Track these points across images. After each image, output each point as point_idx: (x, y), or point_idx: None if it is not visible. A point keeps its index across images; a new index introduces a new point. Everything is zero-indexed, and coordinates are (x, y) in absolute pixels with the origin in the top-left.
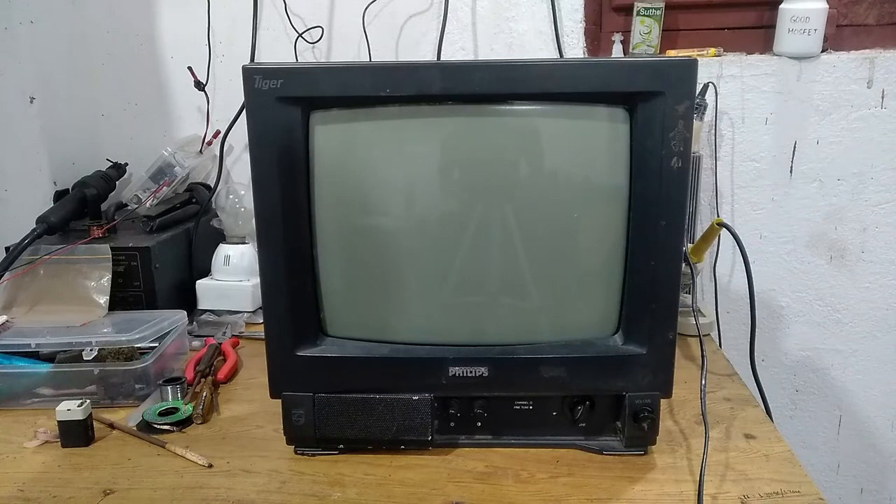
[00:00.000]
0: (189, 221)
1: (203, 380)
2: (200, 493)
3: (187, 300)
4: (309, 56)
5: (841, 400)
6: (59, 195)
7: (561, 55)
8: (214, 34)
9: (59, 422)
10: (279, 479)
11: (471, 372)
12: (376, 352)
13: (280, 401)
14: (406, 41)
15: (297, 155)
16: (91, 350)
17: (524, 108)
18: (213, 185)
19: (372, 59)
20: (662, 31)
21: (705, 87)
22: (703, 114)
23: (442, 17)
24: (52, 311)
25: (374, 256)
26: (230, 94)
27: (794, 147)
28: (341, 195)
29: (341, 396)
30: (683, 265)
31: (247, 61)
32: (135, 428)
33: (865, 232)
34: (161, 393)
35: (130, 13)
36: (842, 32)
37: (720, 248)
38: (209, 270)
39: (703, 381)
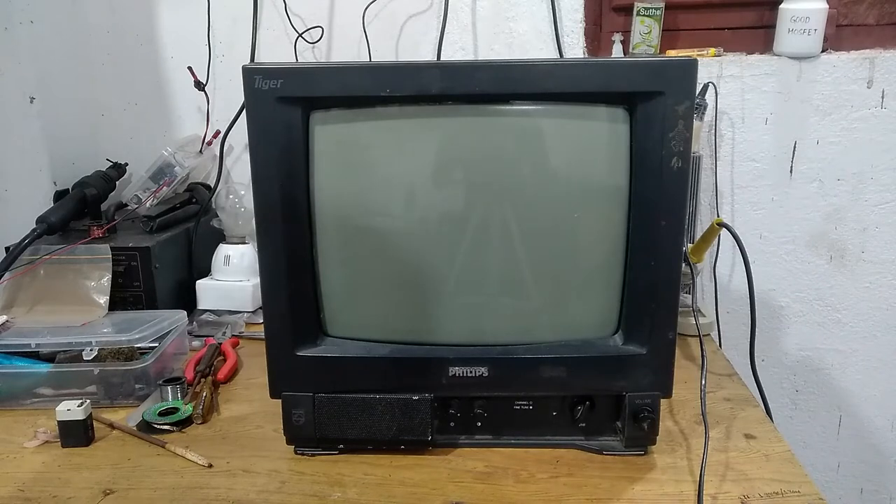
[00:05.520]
0: (189, 221)
1: (203, 380)
2: (200, 493)
3: (187, 300)
4: (309, 56)
5: (841, 400)
6: (59, 195)
7: (561, 55)
8: (214, 34)
9: (59, 422)
10: (279, 479)
11: (471, 372)
12: (376, 352)
13: (280, 401)
14: (406, 41)
15: (297, 155)
16: (91, 350)
17: (524, 108)
18: (213, 185)
19: (372, 59)
20: (662, 31)
21: (705, 87)
22: (703, 114)
23: (442, 18)
24: (52, 311)
25: (374, 256)
26: (230, 94)
27: (794, 147)
28: (341, 195)
29: (341, 396)
30: (683, 265)
31: (247, 61)
32: (135, 428)
33: (865, 232)
34: (161, 393)
35: (130, 13)
36: (842, 32)
37: (720, 248)
38: (209, 270)
39: (703, 381)
